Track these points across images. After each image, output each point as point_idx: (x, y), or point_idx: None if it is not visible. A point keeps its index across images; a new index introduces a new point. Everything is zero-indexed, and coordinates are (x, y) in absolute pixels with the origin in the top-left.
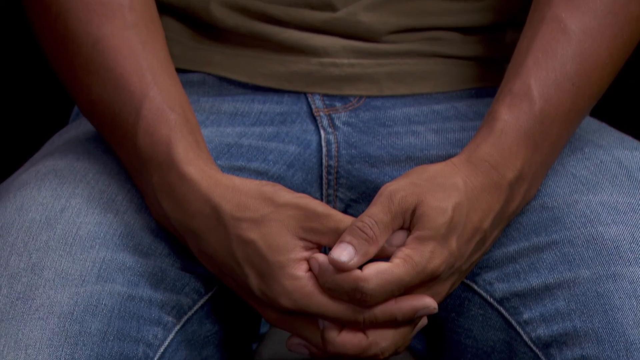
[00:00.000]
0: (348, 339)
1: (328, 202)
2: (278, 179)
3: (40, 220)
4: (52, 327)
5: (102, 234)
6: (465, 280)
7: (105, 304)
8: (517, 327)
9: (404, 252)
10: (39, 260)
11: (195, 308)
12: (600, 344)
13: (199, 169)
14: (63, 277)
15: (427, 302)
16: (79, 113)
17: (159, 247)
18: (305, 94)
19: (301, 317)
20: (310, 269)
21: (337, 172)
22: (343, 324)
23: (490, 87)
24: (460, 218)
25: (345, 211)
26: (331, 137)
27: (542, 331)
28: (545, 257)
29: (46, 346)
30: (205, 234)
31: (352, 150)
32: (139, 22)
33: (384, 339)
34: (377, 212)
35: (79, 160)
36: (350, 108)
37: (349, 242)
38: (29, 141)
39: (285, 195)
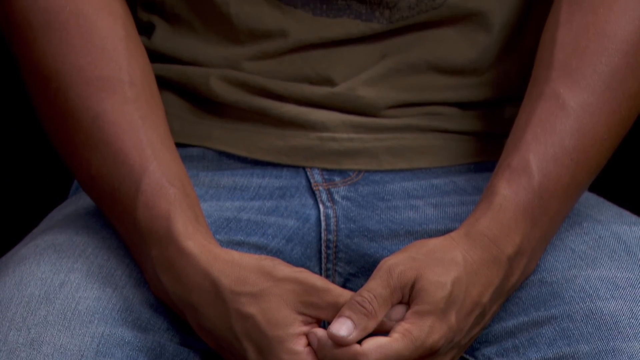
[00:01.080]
0: None
1: (327, 277)
2: (277, 253)
3: (39, 295)
4: None
5: (101, 309)
6: (465, 355)
7: None
8: None
9: (403, 326)
10: (37, 335)
11: None
12: None
13: (198, 244)
14: (62, 352)
15: None
16: (78, 187)
17: (158, 322)
18: (304, 168)
19: None
20: (309, 344)
21: (336, 247)
22: None
23: (489, 161)
24: (459, 292)
25: (344, 285)
26: (330, 212)
27: None
28: (544, 332)
29: None
30: (204, 308)
31: (351, 225)
32: (139, 97)
33: None
34: (376, 286)
35: (78, 235)
36: (349, 182)
37: (348, 317)
38: (28, 216)
39: (284, 269)
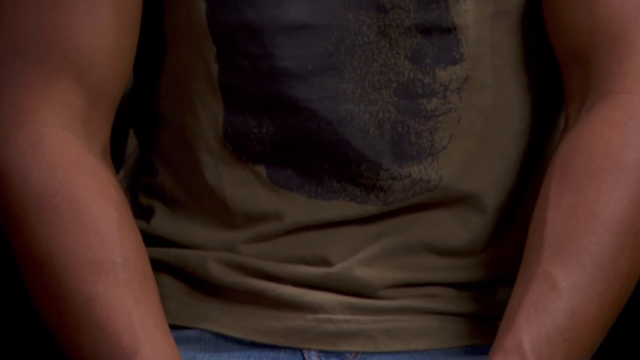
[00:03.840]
0: None
1: None
2: None
3: None
4: None
5: None
6: None
7: None
8: None
9: None
10: None
11: None
12: None
13: None
14: None
15: None
16: None
17: None
18: (301, 350)
19: None
20: None
21: None
22: None
23: (487, 345)
24: None
25: None
26: None
27: None
28: None
29: None
30: None
31: None
32: (132, 279)
33: None
34: None
35: None
36: None
37: None
38: None
39: None
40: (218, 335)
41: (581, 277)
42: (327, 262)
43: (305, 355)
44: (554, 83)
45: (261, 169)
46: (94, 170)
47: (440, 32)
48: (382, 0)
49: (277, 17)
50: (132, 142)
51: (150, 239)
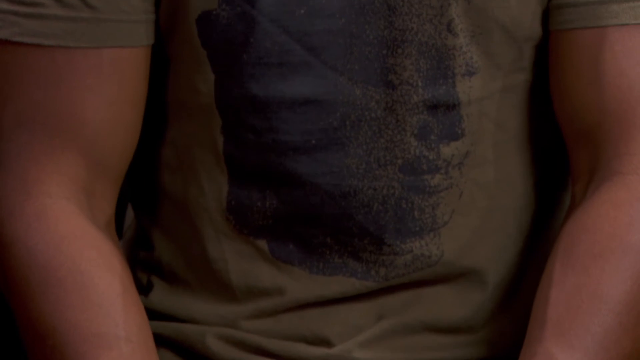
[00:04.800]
0: None
1: None
2: None
3: None
4: None
5: None
6: None
7: None
8: None
9: None
10: None
11: None
12: None
13: None
14: None
15: None
16: None
17: None
18: None
19: None
20: None
21: None
22: None
23: None
24: None
25: None
26: None
27: None
28: None
29: None
30: None
31: None
32: (135, 353)
33: None
34: None
35: None
36: None
37: None
38: None
39: None
40: None
41: (583, 358)
42: (327, 343)
43: None
44: (559, 159)
45: (263, 244)
46: (99, 243)
47: (445, 108)
48: (391, 76)
49: (282, 91)
50: (129, 215)
51: (149, 313)
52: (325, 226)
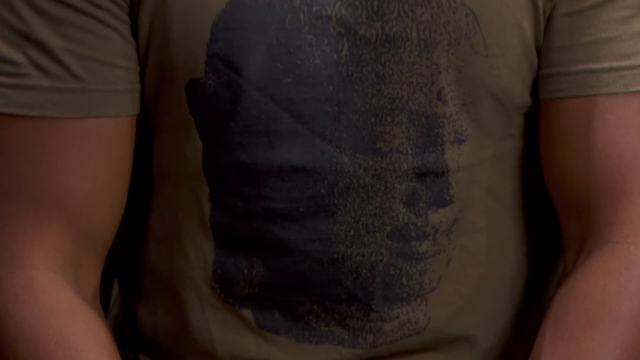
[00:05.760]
0: None
1: None
2: None
3: None
4: None
5: None
6: None
7: None
8: None
9: None
10: None
11: None
12: None
13: None
14: None
15: None
16: None
17: None
18: None
19: None
20: None
21: None
22: None
23: None
24: None
25: None
26: None
27: None
28: None
29: None
30: None
31: None
32: None
33: None
34: None
35: None
36: None
37: None
38: None
39: None
40: None
41: None
42: None
43: None
44: (552, 226)
45: (248, 313)
46: (86, 316)
47: (434, 175)
48: (379, 144)
49: (270, 159)
50: (115, 291)
51: None
52: (312, 293)
